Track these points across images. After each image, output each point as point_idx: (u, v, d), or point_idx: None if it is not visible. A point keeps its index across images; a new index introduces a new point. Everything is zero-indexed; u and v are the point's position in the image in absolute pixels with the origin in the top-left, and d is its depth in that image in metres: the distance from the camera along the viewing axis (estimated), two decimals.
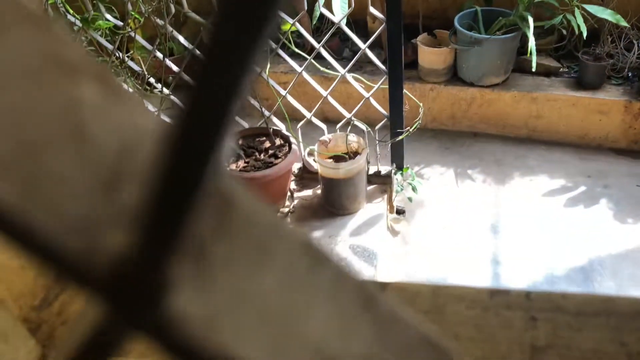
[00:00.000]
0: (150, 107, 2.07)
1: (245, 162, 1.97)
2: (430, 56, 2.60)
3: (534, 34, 2.29)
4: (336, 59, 2.79)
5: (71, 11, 1.94)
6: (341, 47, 2.87)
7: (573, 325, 0.36)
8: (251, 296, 0.13)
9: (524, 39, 2.38)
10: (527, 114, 2.61)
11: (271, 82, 1.99)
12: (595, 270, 2.00)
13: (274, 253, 0.14)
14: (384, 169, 2.21)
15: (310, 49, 1.95)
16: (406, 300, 0.40)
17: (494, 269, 2.05)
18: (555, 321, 0.37)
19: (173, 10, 1.86)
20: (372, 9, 1.85)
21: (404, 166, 2.19)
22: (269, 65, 1.95)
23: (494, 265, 2.06)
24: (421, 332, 0.15)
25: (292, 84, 2.04)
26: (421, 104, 2.04)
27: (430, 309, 0.38)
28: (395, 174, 2.17)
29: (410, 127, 2.04)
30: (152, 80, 2.04)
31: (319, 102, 2.07)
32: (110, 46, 1.95)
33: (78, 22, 1.90)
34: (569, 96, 2.54)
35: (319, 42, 1.93)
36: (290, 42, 1.93)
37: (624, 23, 2.34)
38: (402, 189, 2.16)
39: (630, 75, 2.63)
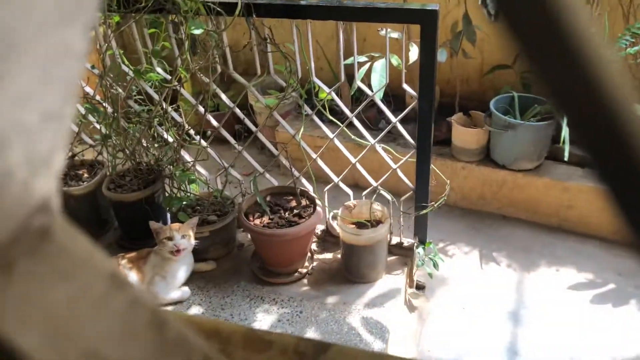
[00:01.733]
0: (187, 157, 2.17)
1: (269, 219, 2.01)
2: (464, 135, 2.64)
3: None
4: (372, 129, 2.88)
5: (127, 62, 2.10)
6: (378, 119, 2.96)
7: None
8: (40, 303, 0.16)
9: (559, 128, 2.40)
10: (558, 203, 2.57)
11: (303, 144, 2.06)
12: None
13: (73, 277, 0.17)
14: (407, 241, 2.20)
15: (346, 118, 2.03)
16: None
17: (511, 358, 1.97)
18: None
19: (219, 69, 1.98)
20: (405, 86, 1.92)
21: (427, 240, 2.18)
22: (302, 128, 2.03)
23: (511, 354, 1.98)
24: (207, 355, 0.17)
25: (323, 148, 2.10)
26: (448, 181, 2.05)
27: None
28: (417, 247, 2.16)
29: (435, 203, 2.05)
30: (192, 131, 2.14)
31: (347, 168, 2.12)
32: (157, 97, 2.08)
33: (131, 73, 2.05)
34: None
35: (357, 112, 2.01)
36: (325, 109, 2.01)
37: None
38: (423, 264, 2.14)
39: None
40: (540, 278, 2.31)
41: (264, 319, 1.86)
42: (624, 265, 2.37)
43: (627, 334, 2.03)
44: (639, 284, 2.28)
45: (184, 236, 1.88)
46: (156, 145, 2.19)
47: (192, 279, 2.05)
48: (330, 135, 2.09)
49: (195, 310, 1.90)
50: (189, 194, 2.12)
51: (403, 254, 2.19)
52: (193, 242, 1.93)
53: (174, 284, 1.96)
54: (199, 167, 2.23)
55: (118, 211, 2.24)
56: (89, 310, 0.16)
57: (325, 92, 1.99)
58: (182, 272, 1.97)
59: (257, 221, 2.00)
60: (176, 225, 1.92)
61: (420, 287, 2.29)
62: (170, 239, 1.87)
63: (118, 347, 0.16)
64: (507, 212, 2.70)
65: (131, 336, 0.17)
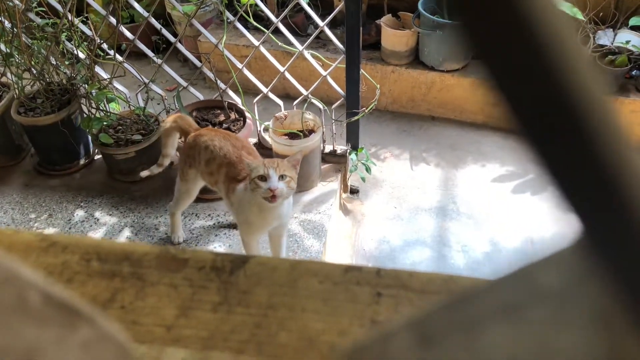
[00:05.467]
0: (103, 74, 2.02)
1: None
2: (393, 38, 2.60)
3: None
4: (300, 35, 2.78)
5: None
6: (306, 24, 2.85)
7: (414, 301, 0.38)
8: None
9: None
10: (484, 101, 2.64)
11: (227, 54, 1.96)
12: (536, 255, 2.07)
13: None
14: (340, 148, 2.22)
15: (272, 24, 1.93)
16: (265, 274, 0.41)
17: (440, 250, 2.09)
18: (399, 297, 0.38)
19: None
20: None
21: (359, 146, 2.20)
22: (225, 37, 1.91)
23: (440, 246, 2.11)
24: (47, 293, 0.15)
25: (249, 57, 2.01)
26: (378, 86, 2.04)
27: (284, 283, 0.39)
28: (350, 153, 2.18)
29: (366, 108, 2.04)
30: (105, 46, 1.98)
31: (276, 78, 2.06)
32: (61, 8, 1.88)
33: None
34: None
35: (284, 17, 1.91)
36: (249, 15, 1.89)
37: (580, 16, 2.39)
38: (356, 169, 2.17)
39: None
40: (467, 174, 2.42)
41: (200, 236, 1.85)
42: None
43: (542, 217, 2.19)
44: None
45: (282, 177, 1.41)
46: (67, 62, 2.01)
47: (122, 201, 1.99)
48: (256, 43, 1.99)
49: (128, 232, 1.87)
50: (109, 114, 2.00)
51: (336, 161, 2.21)
52: (295, 186, 1.46)
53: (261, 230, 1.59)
54: (117, 84, 2.09)
55: (33, 136, 2.09)
56: None
57: None
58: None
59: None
60: (274, 161, 1.44)
61: (354, 192, 2.34)
62: (263, 178, 1.40)
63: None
64: (436, 113, 2.75)
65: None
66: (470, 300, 0.16)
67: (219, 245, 1.82)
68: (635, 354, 0.13)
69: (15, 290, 0.14)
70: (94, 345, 0.15)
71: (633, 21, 2.55)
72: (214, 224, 1.89)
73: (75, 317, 0.15)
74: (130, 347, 0.17)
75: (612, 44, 2.66)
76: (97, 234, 1.86)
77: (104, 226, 1.89)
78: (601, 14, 2.67)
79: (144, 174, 1.83)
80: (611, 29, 2.72)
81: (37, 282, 0.15)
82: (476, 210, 2.25)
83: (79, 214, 1.94)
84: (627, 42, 2.60)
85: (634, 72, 2.63)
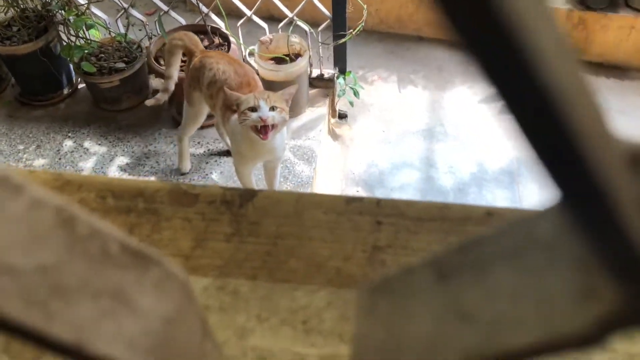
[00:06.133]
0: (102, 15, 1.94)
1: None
2: None
3: None
4: None
5: None
6: None
7: (411, 228, 0.41)
8: None
9: None
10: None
11: None
12: (520, 175, 2.13)
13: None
14: (327, 72, 2.20)
15: None
16: (272, 206, 0.44)
17: (428, 172, 2.14)
18: (397, 225, 0.41)
19: None
20: None
21: (347, 70, 2.18)
22: None
23: (427, 167, 2.16)
24: (123, 242, 0.17)
25: None
26: (365, 5, 1.99)
27: (290, 214, 0.41)
28: (337, 77, 2.16)
29: (354, 30, 2.01)
30: None
31: (260, 0, 1.99)
32: None
33: None
34: None
35: None
36: None
37: None
38: (344, 93, 2.17)
39: None
40: (455, 96, 2.43)
41: (192, 164, 1.87)
42: None
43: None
44: None
45: (273, 108, 1.36)
46: None
47: (110, 130, 1.98)
48: None
49: (119, 161, 1.88)
50: (89, 41, 1.94)
51: (324, 86, 2.20)
52: (287, 117, 1.43)
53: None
54: (95, 10, 2.01)
55: (12, 66, 2.04)
56: None
57: None
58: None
59: None
60: (264, 92, 1.42)
61: (342, 116, 2.35)
62: (254, 109, 1.35)
63: (29, 255, 0.15)
64: (424, 33, 2.71)
65: (40, 240, 0.16)
66: (478, 245, 0.19)
67: (210, 172, 1.84)
68: (603, 290, 0.16)
69: (99, 242, 0.16)
70: (163, 283, 0.17)
71: None
72: (205, 151, 1.91)
73: (146, 260, 0.17)
74: (190, 283, 0.20)
75: None
76: (87, 164, 1.86)
77: (94, 156, 1.90)
78: None
79: (150, 102, 1.71)
80: None
81: (113, 233, 0.17)
82: (463, 131, 2.28)
83: (68, 144, 1.94)
84: None
85: None
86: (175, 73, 1.67)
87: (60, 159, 1.88)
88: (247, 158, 1.54)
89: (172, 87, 1.68)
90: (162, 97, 1.70)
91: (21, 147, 1.92)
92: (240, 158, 1.56)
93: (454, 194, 2.06)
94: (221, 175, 1.84)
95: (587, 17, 2.55)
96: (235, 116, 1.43)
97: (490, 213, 0.43)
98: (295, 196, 0.44)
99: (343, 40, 2.02)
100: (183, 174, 1.83)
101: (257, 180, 1.74)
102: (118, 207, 0.43)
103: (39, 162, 1.87)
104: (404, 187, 2.10)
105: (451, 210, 0.43)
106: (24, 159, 1.88)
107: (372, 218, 0.43)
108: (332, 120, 2.30)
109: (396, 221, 0.42)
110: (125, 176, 1.82)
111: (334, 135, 2.29)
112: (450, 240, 0.41)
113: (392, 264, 0.40)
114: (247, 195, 0.44)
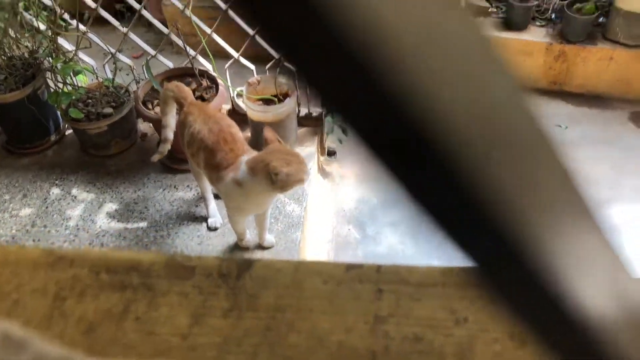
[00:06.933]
0: (67, 45, 1.95)
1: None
2: None
3: None
4: None
5: None
6: None
7: (413, 295, 0.40)
8: None
9: None
10: None
11: (194, 19, 1.91)
12: None
13: None
14: (315, 111, 2.21)
15: None
16: (270, 276, 0.43)
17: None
18: (399, 292, 0.40)
19: None
20: None
21: None
22: (192, 1, 1.86)
23: None
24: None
25: (217, 22, 1.96)
26: None
27: (289, 285, 0.41)
28: (325, 116, 2.18)
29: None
30: (66, 16, 1.90)
31: (247, 41, 2.02)
32: None
33: None
34: (496, 37, 2.59)
35: None
36: None
37: None
38: (332, 131, 2.18)
39: (553, 16, 2.71)
40: None
41: (180, 207, 1.85)
42: None
43: None
44: None
45: None
46: (27, 35, 1.93)
47: (98, 176, 1.97)
48: (223, 6, 1.94)
49: (108, 207, 1.85)
50: (77, 87, 1.94)
51: (313, 124, 2.21)
52: None
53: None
54: (82, 56, 2.02)
55: None
56: None
57: None
58: None
59: (158, 108, 1.90)
60: (289, 156, 1.38)
61: (331, 153, 2.35)
62: None
63: None
64: None
65: None
66: None
67: (200, 216, 1.82)
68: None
69: None
70: None
71: None
72: (194, 195, 1.89)
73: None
74: None
75: None
76: (75, 212, 1.84)
77: (82, 203, 1.87)
78: None
79: (155, 158, 1.70)
80: None
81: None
82: None
83: (55, 192, 1.91)
84: None
85: (600, 19, 2.66)
86: (172, 121, 1.66)
87: (47, 207, 1.85)
88: (248, 211, 1.57)
89: (171, 135, 1.66)
90: (165, 149, 1.69)
91: (7, 196, 1.89)
92: (240, 212, 1.57)
93: None
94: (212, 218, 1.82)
95: (566, 49, 2.62)
96: (230, 175, 1.42)
97: None
98: (293, 264, 0.43)
99: None
100: (211, 230, 1.79)
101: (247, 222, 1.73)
102: (112, 282, 0.42)
103: (25, 212, 1.84)
104: (396, 223, 2.10)
105: (453, 274, 0.43)
106: (9, 209, 1.85)
107: (373, 286, 0.42)
108: (322, 158, 2.31)
109: (397, 288, 0.42)
110: (114, 223, 1.80)
111: (324, 173, 2.29)
112: (453, 307, 0.41)
113: (396, 335, 0.39)
114: (245, 265, 0.43)
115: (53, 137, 2.09)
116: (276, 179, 1.31)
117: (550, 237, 0.15)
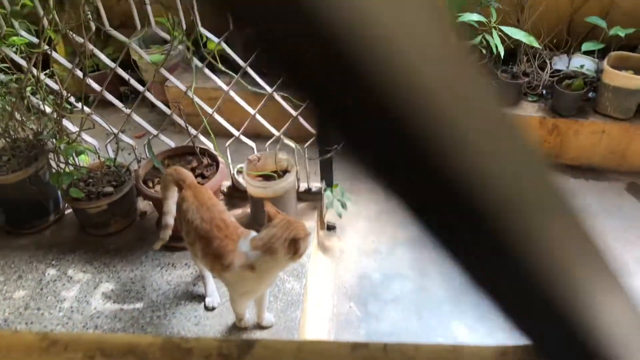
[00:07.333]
0: (71, 127, 1.99)
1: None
2: None
3: None
4: (269, 76, 2.80)
5: None
6: None
7: None
8: None
9: None
10: None
11: (196, 99, 1.96)
12: None
13: None
14: (315, 186, 2.23)
15: (240, 67, 1.94)
16: (271, 357, 0.41)
17: (421, 282, 2.10)
18: None
19: (93, 27, 1.79)
20: None
21: (334, 182, 2.21)
22: (194, 83, 1.92)
23: (421, 277, 2.12)
24: None
25: (219, 102, 2.02)
26: None
27: None
28: (325, 190, 2.19)
29: (339, 145, 2.06)
30: (72, 99, 1.95)
31: (247, 121, 2.07)
32: (25, 63, 1.86)
33: None
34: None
35: (251, 60, 1.93)
36: (216, 60, 1.91)
37: (536, 44, 2.49)
38: (332, 206, 2.18)
39: (544, 92, 2.80)
40: None
41: (178, 286, 1.81)
42: None
43: None
44: None
45: None
46: (33, 117, 1.98)
47: (96, 256, 1.94)
48: (225, 87, 2.00)
49: (104, 287, 1.81)
50: (78, 167, 1.96)
51: (312, 199, 2.22)
52: None
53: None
54: (85, 136, 2.06)
55: None
56: None
57: (215, 42, 1.88)
58: None
59: (158, 187, 1.91)
60: (292, 227, 1.41)
61: (331, 228, 2.34)
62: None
63: None
64: None
65: None
66: None
67: (198, 295, 1.78)
68: None
69: None
70: None
71: (585, 46, 2.68)
72: (192, 272, 1.86)
73: None
74: None
75: (567, 68, 2.78)
76: (70, 293, 1.79)
77: (78, 284, 1.83)
78: (555, 40, 2.80)
79: (157, 246, 1.67)
80: (565, 54, 2.85)
81: None
82: None
83: (50, 272, 1.88)
84: (582, 66, 2.72)
85: (590, 94, 2.74)
86: (173, 207, 1.64)
87: (41, 289, 1.81)
88: (257, 293, 1.56)
89: (171, 221, 1.64)
90: (166, 235, 1.65)
91: (2, 278, 1.86)
92: (249, 296, 1.55)
93: (450, 304, 2.00)
94: (210, 297, 1.78)
95: (559, 123, 2.68)
96: (238, 263, 1.40)
97: (504, 353, 0.41)
98: (295, 345, 0.42)
99: (329, 155, 2.07)
100: (209, 309, 1.75)
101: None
102: None
103: (19, 294, 1.79)
104: (398, 299, 2.05)
105: (462, 353, 0.41)
106: (3, 291, 1.81)
107: None
108: (321, 233, 2.29)
109: None
110: (110, 304, 1.75)
111: (324, 248, 2.27)
112: None
113: None
114: (245, 346, 0.41)
115: (52, 217, 2.08)
116: (304, 246, 1.35)
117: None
